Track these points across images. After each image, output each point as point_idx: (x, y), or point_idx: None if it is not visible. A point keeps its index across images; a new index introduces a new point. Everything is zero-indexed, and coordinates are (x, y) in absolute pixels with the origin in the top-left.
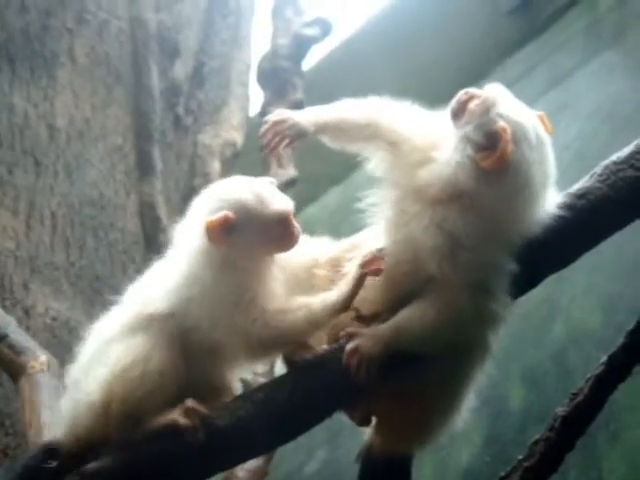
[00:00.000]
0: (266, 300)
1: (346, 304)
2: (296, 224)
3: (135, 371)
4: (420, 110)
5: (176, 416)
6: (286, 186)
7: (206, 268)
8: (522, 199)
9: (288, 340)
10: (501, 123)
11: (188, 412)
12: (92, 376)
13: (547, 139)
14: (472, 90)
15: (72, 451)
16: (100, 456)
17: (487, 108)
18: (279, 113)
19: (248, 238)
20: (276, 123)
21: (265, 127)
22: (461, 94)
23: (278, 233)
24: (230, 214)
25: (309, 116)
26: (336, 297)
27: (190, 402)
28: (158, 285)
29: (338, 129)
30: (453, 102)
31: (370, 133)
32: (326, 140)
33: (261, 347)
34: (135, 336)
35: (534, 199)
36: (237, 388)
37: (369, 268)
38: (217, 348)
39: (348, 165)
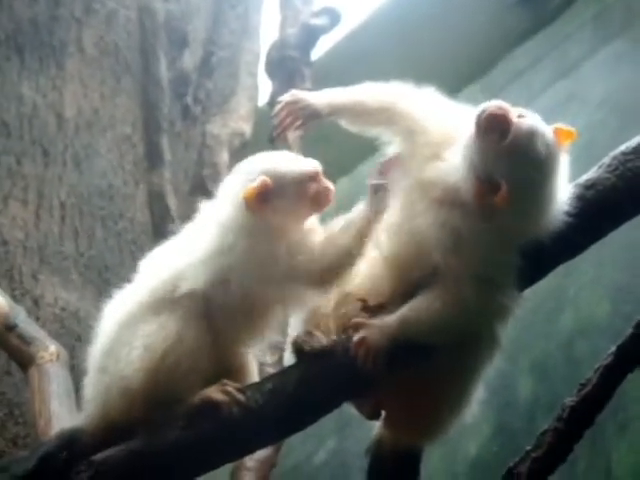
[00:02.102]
0: (302, 244)
1: (376, 213)
2: (327, 181)
3: (172, 354)
4: (441, 99)
5: (212, 393)
6: None
7: (244, 237)
8: (520, 225)
9: (340, 263)
10: (504, 187)
11: (224, 390)
12: (125, 360)
13: (554, 178)
14: (506, 111)
15: (97, 436)
16: (128, 440)
17: (507, 153)
18: (293, 94)
19: (285, 201)
20: (289, 103)
21: (278, 107)
22: (495, 107)
23: (312, 190)
24: (267, 179)
25: (324, 98)
26: (365, 207)
27: (225, 381)
28: (182, 261)
29: (354, 112)
30: (485, 112)
31: (386, 118)
32: (343, 123)
33: (318, 282)
34: (161, 316)
35: (536, 220)
36: (255, 372)
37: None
38: (248, 311)
39: (356, 156)
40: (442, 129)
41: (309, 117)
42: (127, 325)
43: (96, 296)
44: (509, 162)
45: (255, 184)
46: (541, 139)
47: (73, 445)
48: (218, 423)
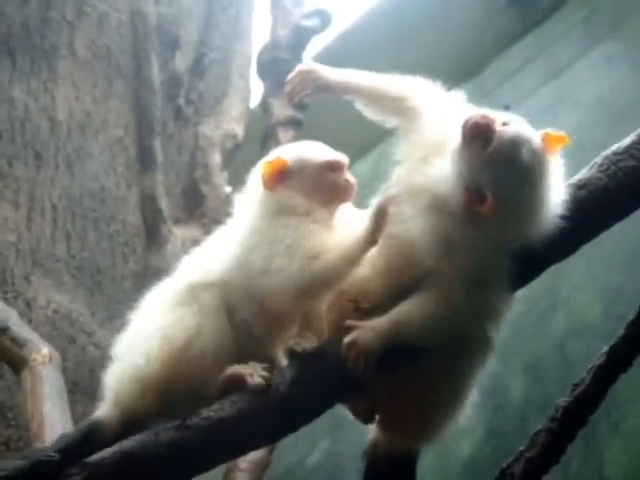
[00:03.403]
0: (309, 246)
1: (374, 235)
2: (350, 176)
3: (194, 346)
4: (455, 102)
5: (238, 369)
6: None
7: (264, 216)
8: (510, 232)
9: (327, 282)
10: (490, 197)
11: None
12: (139, 350)
13: (542, 184)
14: (490, 120)
15: (116, 428)
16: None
17: (490, 162)
18: (310, 64)
19: (302, 184)
20: (302, 73)
21: (292, 75)
22: (479, 116)
23: (330, 180)
24: (285, 159)
25: (339, 74)
26: (364, 230)
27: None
28: (217, 253)
29: (367, 95)
30: (469, 122)
31: (396, 108)
32: (358, 103)
33: (298, 293)
34: (181, 309)
35: (526, 226)
36: (282, 360)
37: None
38: (266, 305)
39: (349, 156)
40: (436, 132)
41: (318, 88)
42: (151, 315)
43: (88, 298)
44: (493, 171)
45: (272, 162)
46: (526, 146)
47: (92, 438)
48: (211, 424)
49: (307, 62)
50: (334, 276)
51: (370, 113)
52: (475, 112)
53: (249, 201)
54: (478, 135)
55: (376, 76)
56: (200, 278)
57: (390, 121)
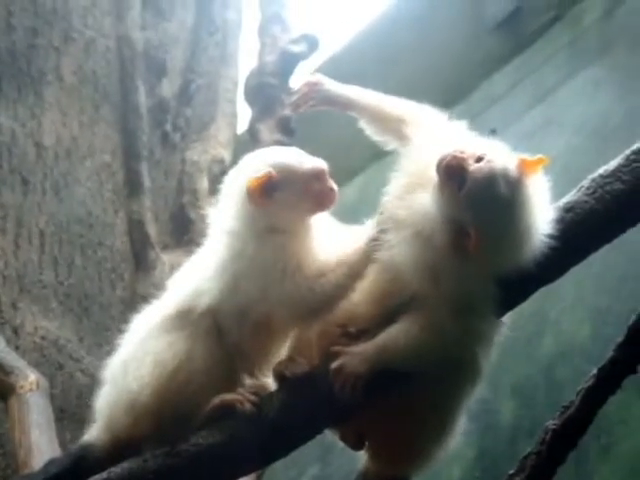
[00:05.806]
0: (308, 265)
1: (373, 248)
2: (332, 182)
3: (182, 372)
4: (457, 130)
5: (225, 396)
6: None
7: (250, 237)
8: (497, 261)
9: (333, 299)
10: (474, 234)
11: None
12: (133, 375)
13: (525, 212)
14: (462, 160)
15: (107, 451)
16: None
17: (468, 202)
18: (317, 76)
19: (288, 196)
20: (310, 84)
21: (300, 85)
22: (451, 157)
23: (316, 189)
24: (272, 171)
25: (345, 90)
26: (364, 243)
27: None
28: (199, 276)
29: (370, 113)
30: (442, 163)
31: (396, 129)
32: (361, 122)
33: (309, 312)
34: (171, 334)
35: (513, 254)
36: (270, 384)
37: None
38: (264, 324)
39: (336, 181)
40: (422, 162)
41: (322, 101)
42: (142, 340)
43: (76, 324)
44: (473, 210)
45: (259, 175)
46: (501, 181)
47: (82, 463)
48: (200, 450)
49: (316, 75)
50: (341, 292)
51: (372, 132)
52: (448, 151)
53: (230, 216)
54: (452, 177)
55: (381, 96)
56: (190, 302)
57: (390, 142)
